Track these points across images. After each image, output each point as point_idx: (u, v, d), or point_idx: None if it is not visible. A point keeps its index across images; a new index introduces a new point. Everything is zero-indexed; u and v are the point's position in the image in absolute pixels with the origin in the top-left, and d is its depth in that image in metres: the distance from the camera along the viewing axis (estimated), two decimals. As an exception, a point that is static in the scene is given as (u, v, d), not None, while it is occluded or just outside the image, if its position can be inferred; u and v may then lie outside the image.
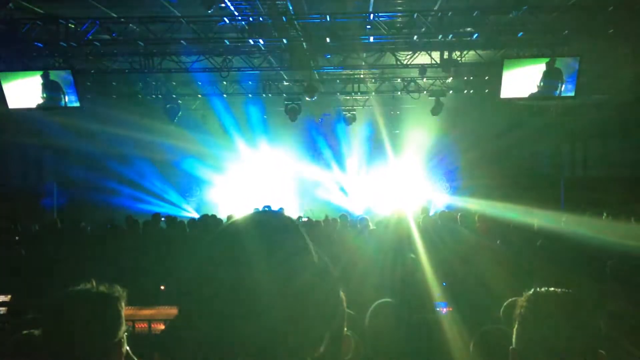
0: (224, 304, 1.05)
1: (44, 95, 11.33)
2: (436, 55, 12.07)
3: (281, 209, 11.97)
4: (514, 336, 1.71)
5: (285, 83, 15.35)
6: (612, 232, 8.38)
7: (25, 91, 11.33)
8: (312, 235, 1.18)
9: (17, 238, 9.81)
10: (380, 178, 19.16)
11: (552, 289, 1.70)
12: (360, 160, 19.35)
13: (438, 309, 5.23)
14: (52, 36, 10.15)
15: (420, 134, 17.96)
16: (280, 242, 1.12)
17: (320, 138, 19.50)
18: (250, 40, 10.40)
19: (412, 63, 12.46)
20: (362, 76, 14.90)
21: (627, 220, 9.56)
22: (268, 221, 1.17)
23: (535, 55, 10.94)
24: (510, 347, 1.70)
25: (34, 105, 11.45)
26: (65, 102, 11.41)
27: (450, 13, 9.68)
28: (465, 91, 14.82)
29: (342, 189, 19.47)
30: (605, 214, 10.37)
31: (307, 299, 1.07)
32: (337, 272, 1.17)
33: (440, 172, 19.04)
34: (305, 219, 13.45)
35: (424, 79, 14.36)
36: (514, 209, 10.84)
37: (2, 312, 5.89)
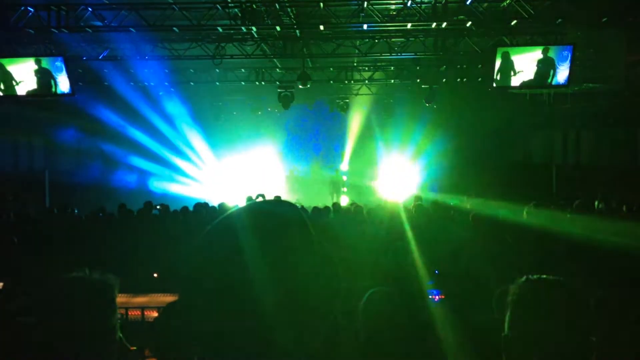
0: (218, 300, 1.05)
1: (35, 82, 11.20)
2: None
3: (277, 197, 11.92)
4: (505, 323, 1.72)
5: (278, 70, 15.27)
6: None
7: (15, 78, 11.21)
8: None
9: (9, 225, 9.76)
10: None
11: (544, 276, 1.71)
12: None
13: (430, 297, 5.26)
14: (44, 22, 10.04)
15: (410, 126, 18.09)
16: (279, 237, 1.10)
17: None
18: (243, 28, 10.32)
19: (406, 51, 12.45)
20: (355, 64, 14.87)
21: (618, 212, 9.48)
22: (267, 215, 1.15)
23: (528, 44, 10.92)
24: (503, 334, 1.71)
25: (24, 93, 11.33)
26: (57, 90, 11.30)
27: (443, 1, 9.64)
28: (459, 79, 14.80)
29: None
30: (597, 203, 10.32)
31: (304, 294, 1.07)
32: (336, 259, 1.15)
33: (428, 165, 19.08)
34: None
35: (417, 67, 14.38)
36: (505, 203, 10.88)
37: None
